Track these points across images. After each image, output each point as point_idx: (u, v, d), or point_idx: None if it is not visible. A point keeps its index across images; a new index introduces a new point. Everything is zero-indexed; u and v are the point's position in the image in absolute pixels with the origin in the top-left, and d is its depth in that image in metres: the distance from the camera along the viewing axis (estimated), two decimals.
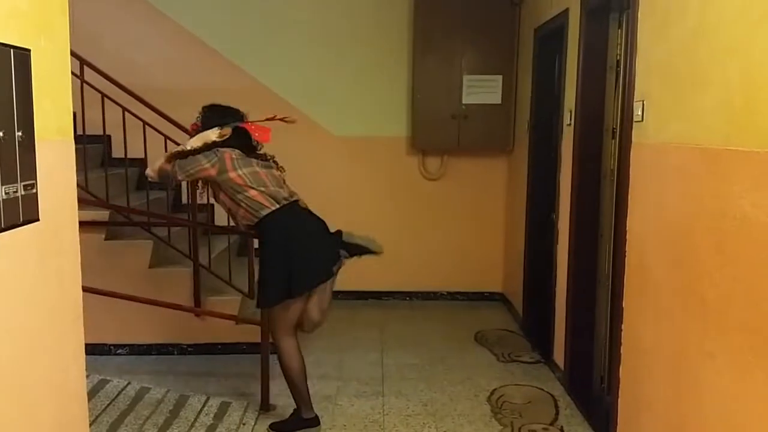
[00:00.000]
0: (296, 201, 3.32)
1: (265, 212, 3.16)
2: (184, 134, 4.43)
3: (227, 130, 3.19)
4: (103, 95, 4.29)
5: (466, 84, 5.30)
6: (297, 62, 5.48)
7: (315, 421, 3.31)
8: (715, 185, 2.16)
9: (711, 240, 2.19)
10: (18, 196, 1.52)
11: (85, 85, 4.19)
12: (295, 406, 3.32)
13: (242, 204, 3.16)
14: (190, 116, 4.84)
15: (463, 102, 5.30)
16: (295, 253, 3.16)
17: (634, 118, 2.82)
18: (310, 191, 5.56)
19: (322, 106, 5.54)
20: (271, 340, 3.37)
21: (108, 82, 4.31)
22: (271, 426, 3.33)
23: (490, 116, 5.33)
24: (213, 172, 3.11)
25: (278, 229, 3.18)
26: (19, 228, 1.57)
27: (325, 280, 3.25)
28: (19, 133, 1.52)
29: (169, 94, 5.12)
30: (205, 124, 3.24)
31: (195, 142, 3.17)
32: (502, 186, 5.64)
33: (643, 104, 2.74)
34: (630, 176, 2.87)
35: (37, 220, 1.64)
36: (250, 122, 3.32)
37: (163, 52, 5.46)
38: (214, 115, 3.29)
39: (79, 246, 2.03)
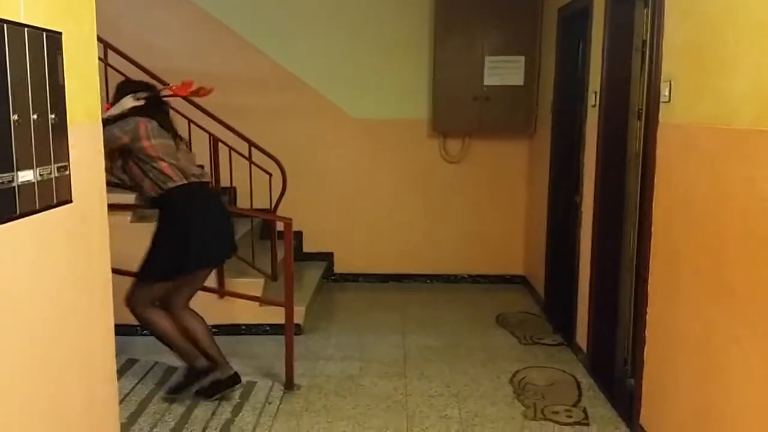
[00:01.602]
0: (206, 182, 3.32)
1: (171, 185, 3.15)
2: (208, 117, 4.48)
3: (142, 94, 3.19)
4: (126, 78, 4.31)
5: (487, 65, 5.25)
6: (317, 45, 5.47)
7: (234, 379, 3.40)
8: (743, 167, 2.13)
9: (738, 223, 2.17)
10: (52, 178, 1.55)
11: (108, 68, 4.22)
12: (188, 368, 3.41)
13: (150, 174, 3.15)
14: (213, 100, 4.86)
15: (485, 83, 5.26)
16: (189, 231, 3.16)
17: (661, 99, 2.79)
18: (330, 174, 5.62)
19: (342, 89, 5.54)
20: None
21: (130, 66, 4.34)
22: (170, 391, 3.43)
23: (512, 98, 5.28)
24: (126, 139, 3.08)
25: (180, 204, 3.18)
26: (53, 209, 1.60)
27: (211, 268, 3.26)
28: (52, 116, 1.55)
29: (190, 76, 5.12)
30: (117, 100, 3.23)
31: (113, 111, 3.16)
32: (524, 168, 5.60)
33: (670, 84, 2.71)
34: (656, 157, 2.84)
35: (71, 201, 1.67)
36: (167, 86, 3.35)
37: (184, 36, 5.47)
38: (126, 88, 3.30)
39: (107, 227, 2.07)
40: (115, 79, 4.22)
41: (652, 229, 2.87)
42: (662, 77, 2.80)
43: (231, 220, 3.42)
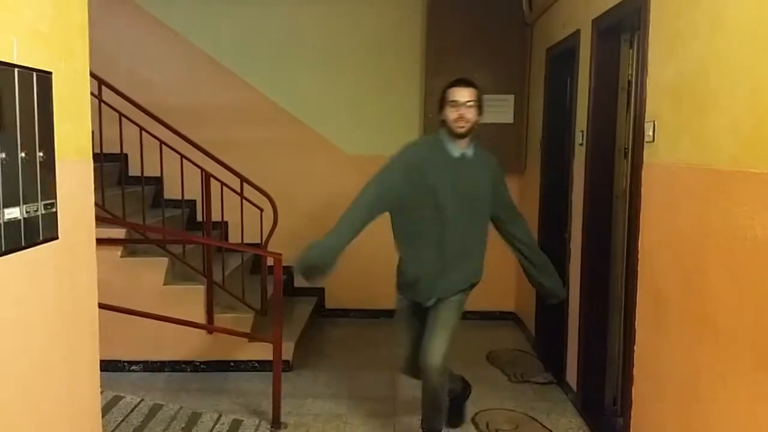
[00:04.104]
0: None
1: None
2: (200, 153, 4.52)
3: None
4: (121, 114, 4.37)
5: None
6: (310, 82, 5.54)
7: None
8: (725, 206, 2.17)
9: (721, 261, 2.19)
10: (38, 215, 1.56)
11: (102, 104, 4.26)
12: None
13: None
14: (205, 134, 4.92)
15: None
16: None
17: (645, 139, 2.83)
18: (322, 209, 5.63)
19: (334, 126, 5.60)
20: None
21: (125, 102, 4.39)
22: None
23: (501, 136, 5.35)
24: None
25: None
26: (39, 246, 1.61)
27: None
28: (40, 154, 1.57)
29: (185, 112, 5.21)
30: None
31: None
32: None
33: (654, 124, 2.76)
34: (642, 196, 2.87)
35: (57, 238, 1.68)
36: None
37: (178, 72, 5.55)
38: None
39: (95, 263, 2.07)
40: (110, 116, 4.29)
41: (639, 267, 2.89)
42: (646, 117, 2.85)
43: None
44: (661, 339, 2.67)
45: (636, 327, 2.91)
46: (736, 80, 2.13)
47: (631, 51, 3.43)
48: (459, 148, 3.06)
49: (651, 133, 2.77)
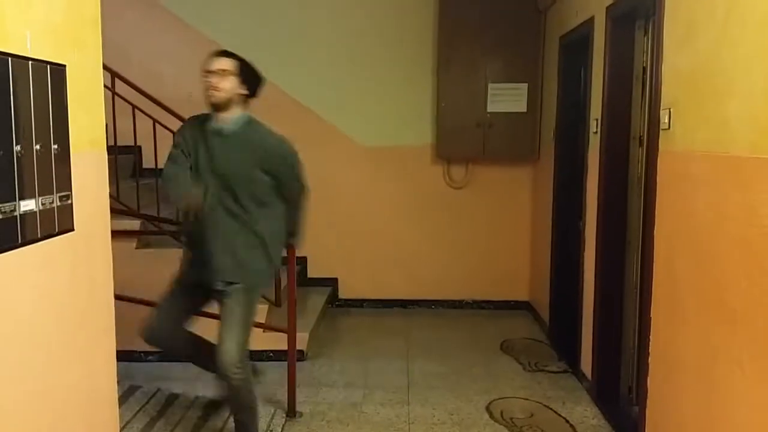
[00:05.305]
0: None
1: None
2: None
3: None
4: (134, 107, 4.38)
5: (490, 92, 5.30)
6: (323, 73, 5.53)
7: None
8: (742, 193, 2.14)
9: (738, 248, 2.17)
10: (54, 207, 1.58)
11: (115, 96, 4.28)
12: None
13: None
14: None
15: (488, 110, 5.30)
16: None
17: (661, 126, 2.81)
18: (335, 200, 5.64)
19: (348, 117, 5.59)
20: None
21: (138, 94, 4.40)
22: None
23: (515, 124, 5.32)
24: None
25: None
26: (55, 238, 1.62)
27: None
28: (55, 146, 1.58)
29: (198, 104, 5.20)
30: None
31: None
32: (527, 194, 5.62)
33: (669, 112, 2.73)
34: (657, 184, 2.85)
35: (72, 230, 1.69)
36: None
37: (191, 64, 5.54)
38: None
39: (111, 255, 2.09)
40: (123, 108, 4.30)
41: (654, 255, 2.87)
42: (662, 105, 2.82)
43: None
44: (677, 327, 2.66)
45: (651, 316, 2.89)
46: (753, 66, 2.10)
47: (645, 38, 3.39)
48: (218, 122, 2.90)
49: (667, 121, 2.74)
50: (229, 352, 2.85)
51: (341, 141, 5.58)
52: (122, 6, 5.32)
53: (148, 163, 4.96)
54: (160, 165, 4.59)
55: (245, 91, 2.93)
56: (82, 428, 1.92)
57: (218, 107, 2.88)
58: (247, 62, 2.94)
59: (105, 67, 2.06)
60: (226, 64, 2.88)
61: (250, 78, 2.94)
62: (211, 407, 3.49)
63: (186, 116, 4.52)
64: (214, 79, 2.84)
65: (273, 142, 3.01)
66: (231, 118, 2.90)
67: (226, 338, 2.88)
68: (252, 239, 2.92)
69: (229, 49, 2.99)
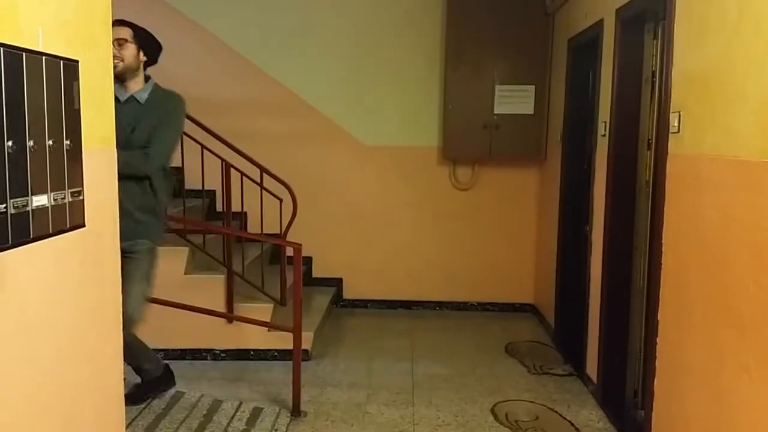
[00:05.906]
0: None
1: None
2: (220, 143, 4.54)
3: None
4: None
5: (498, 94, 5.29)
6: (330, 73, 5.54)
7: None
8: (752, 198, 2.14)
9: (746, 252, 2.16)
10: (66, 203, 1.58)
11: None
12: None
13: None
14: (225, 126, 4.95)
15: (495, 112, 5.30)
16: None
17: (671, 130, 2.80)
18: (341, 200, 5.65)
19: (354, 117, 5.59)
20: None
21: None
22: None
23: (522, 126, 5.31)
24: None
25: None
26: (65, 234, 1.62)
27: None
28: (68, 142, 1.58)
29: (204, 103, 5.21)
30: None
31: None
32: (533, 196, 5.61)
33: (679, 115, 2.72)
34: (666, 188, 2.84)
35: (83, 226, 1.69)
36: None
37: (199, 63, 5.56)
38: None
39: (119, 252, 2.09)
40: None
41: (662, 259, 2.86)
42: (671, 108, 2.81)
43: None
44: (684, 330, 2.65)
45: (659, 319, 2.88)
46: (763, 69, 2.09)
47: (655, 41, 3.38)
48: (124, 92, 2.97)
49: (676, 124, 2.73)
50: (127, 309, 2.85)
51: (348, 141, 5.59)
52: (130, 4, 5.31)
53: None
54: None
55: (145, 58, 3.00)
56: (90, 424, 1.92)
57: (121, 77, 2.94)
58: (143, 28, 3.01)
59: None
60: (123, 33, 2.92)
61: (149, 44, 3.01)
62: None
63: (193, 114, 4.54)
64: (114, 51, 2.83)
65: (174, 103, 3.15)
66: (138, 86, 3.00)
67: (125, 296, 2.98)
68: (140, 211, 3.08)
69: (127, 19, 3.00)
